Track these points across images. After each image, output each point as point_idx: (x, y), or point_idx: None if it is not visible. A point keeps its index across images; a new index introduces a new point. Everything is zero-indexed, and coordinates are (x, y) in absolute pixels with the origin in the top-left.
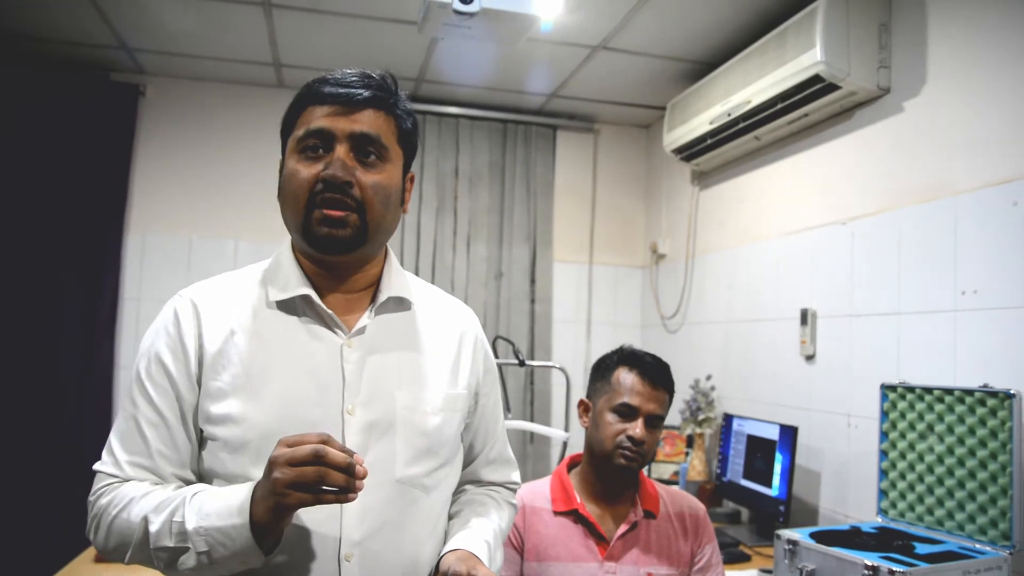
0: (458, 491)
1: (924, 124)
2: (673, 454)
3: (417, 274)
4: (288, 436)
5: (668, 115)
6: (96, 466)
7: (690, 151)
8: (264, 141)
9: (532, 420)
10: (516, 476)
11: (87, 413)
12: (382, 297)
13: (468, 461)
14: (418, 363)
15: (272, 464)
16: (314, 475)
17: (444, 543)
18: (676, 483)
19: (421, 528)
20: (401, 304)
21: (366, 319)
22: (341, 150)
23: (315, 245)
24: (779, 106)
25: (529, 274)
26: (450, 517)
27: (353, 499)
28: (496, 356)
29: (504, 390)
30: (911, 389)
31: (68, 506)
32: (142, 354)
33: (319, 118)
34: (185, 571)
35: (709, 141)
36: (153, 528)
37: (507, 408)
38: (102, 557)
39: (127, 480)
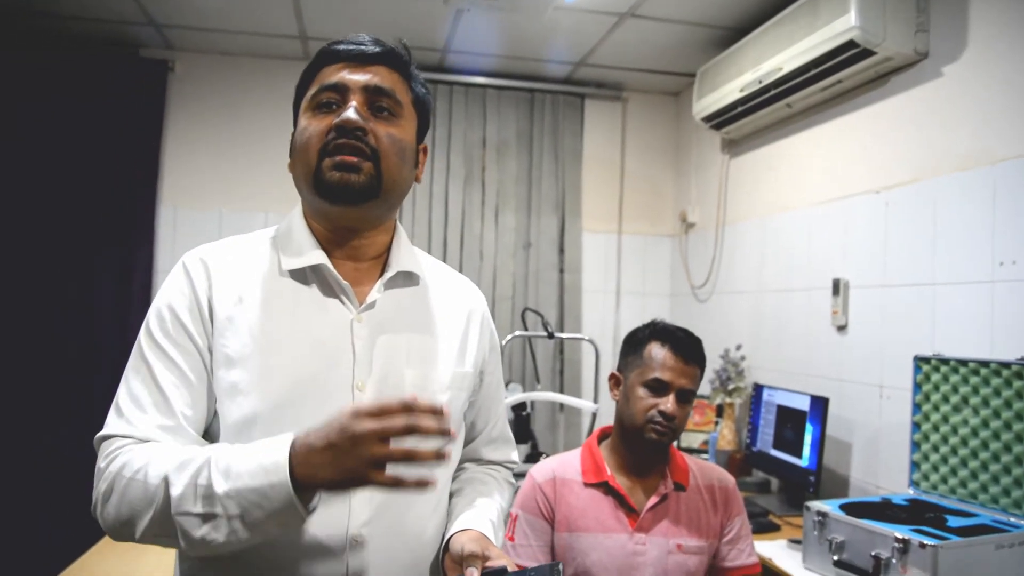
0: (458, 469)
1: (963, 90)
2: (703, 423)
3: (445, 245)
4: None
5: (698, 83)
6: (103, 432)
7: (720, 119)
8: (290, 113)
9: (562, 391)
10: (515, 455)
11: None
12: (391, 271)
13: (469, 439)
14: (427, 340)
15: (335, 422)
16: (403, 425)
17: (447, 521)
18: (705, 452)
19: (427, 506)
20: (410, 279)
21: (376, 293)
22: (356, 100)
23: (327, 193)
24: (811, 73)
25: (558, 244)
26: (451, 495)
27: (448, 452)
28: (525, 328)
29: (534, 361)
30: (945, 361)
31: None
32: (155, 314)
33: (332, 73)
34: (212, 545)
35: (739, 109)
36: (176, 491)
37: (536, 379)
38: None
39: (144, 441)
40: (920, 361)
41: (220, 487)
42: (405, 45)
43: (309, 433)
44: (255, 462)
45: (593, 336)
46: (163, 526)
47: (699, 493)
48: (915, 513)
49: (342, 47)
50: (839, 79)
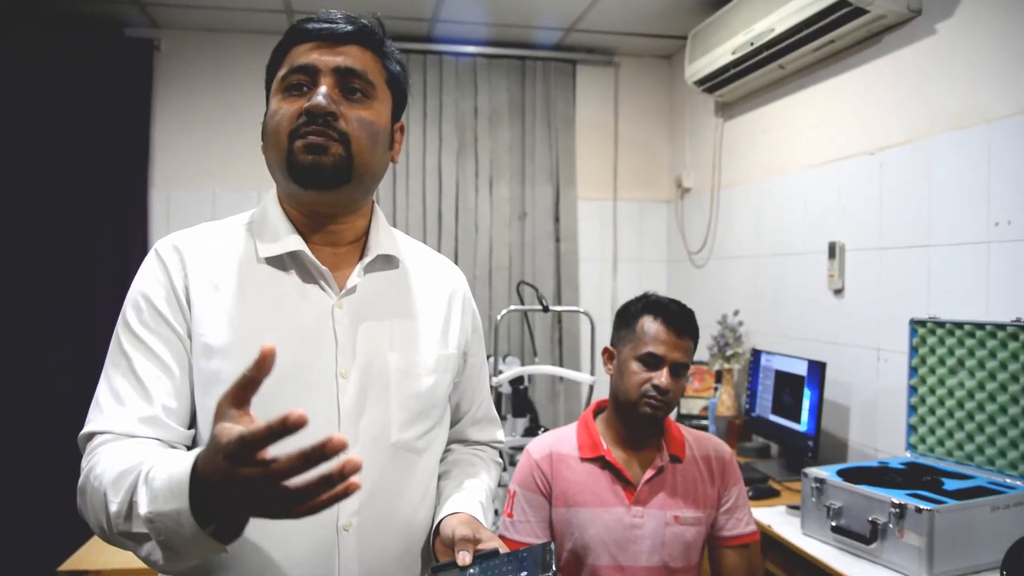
0: (445, 451)
1: (957, 47)
2: (702, 389)
3: (440, 218)
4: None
5: (689, 46)
6: (84, 429)
7: (713, 82)
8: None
9: (560, 363)
10: (500, 435)
11: None
12: (371, 255)
13: (454, 421)
14: (410, 324)
15: (215, 465)
16: (273, 472)
17: (436, 504)
18: (705, 418)
19: (415, 491)
20: (389, 262)
21: (356, 278)
22: (326, 83)
23: (299, 177)
24: (804, 33)
25: (553, 213)
26: (439, 477)
27: (355, 486)
28: (521, 302)
29: (531, 334)
30: (941, 324)
31: None
32: (131, 304)
33: (302, 54)
34: (160, 566)
35: (732, 71)
36: (112, 508)
37: (534, 352)
38: None
39: (124, 436)
40: (916, 324)
41: (143, 507)
42: (380, 20)
43: (204, 458)
44: (167, 481)
45: (590, 305)
46: (118, 543)
47: (695, 464)
48: (912, 477)
49: (312, 25)
50: (832, 39)
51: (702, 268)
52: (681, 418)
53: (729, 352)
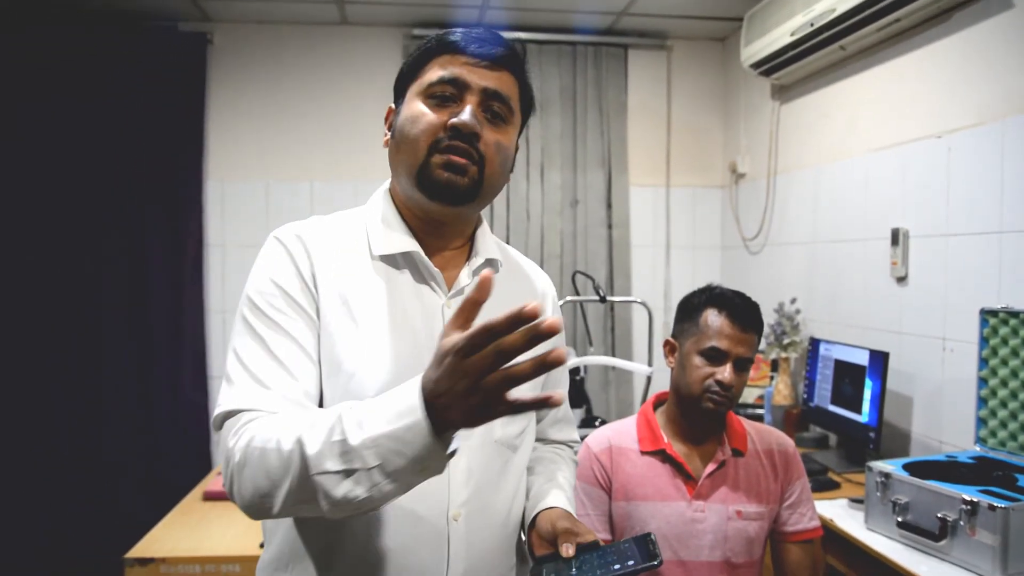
0: None
1: None
2: (758, 378)
3: (491, 207)
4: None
5: (745, 28)
6: (224, 408)
7: (770, 65)
8: (330, 80)
9: (613, 352)
10: (575, 435)
11: (179, 358)
12: (480, 259)
13: (537, 419)
14: None
15: (445, 365)
16: (492, 352)
17: (526, 500)
18: (761, 407)
19: (512, 485)
20: (492, 265)
21: (466, 279)
22: (473, 101)
23: (430, 190)
24: (867, 12)
25: (605, 199)
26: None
27: (559, 356)
28: (576, 291)
29: (585, 323)
30: (1015, 314)
31: (167, 449)
32: (257, 289)
33: (456, 66)
34: (355, 502)
35: (790, 54)
36: (312, 450)
37: (589, 342)
38: (212, 494)
39: (272, 414)
40: (987, 314)
41: (355, 439)
42: (524, 44)
43: (427, 378)
44: (389, 410)
45: (643, 292)
46: (303, 491)
47: (758, 458)
48: (982, 472)
49: (467, 43)
50: (897, 17)
51: (757, 255)
52: (737, 407)
53: (786, 341)
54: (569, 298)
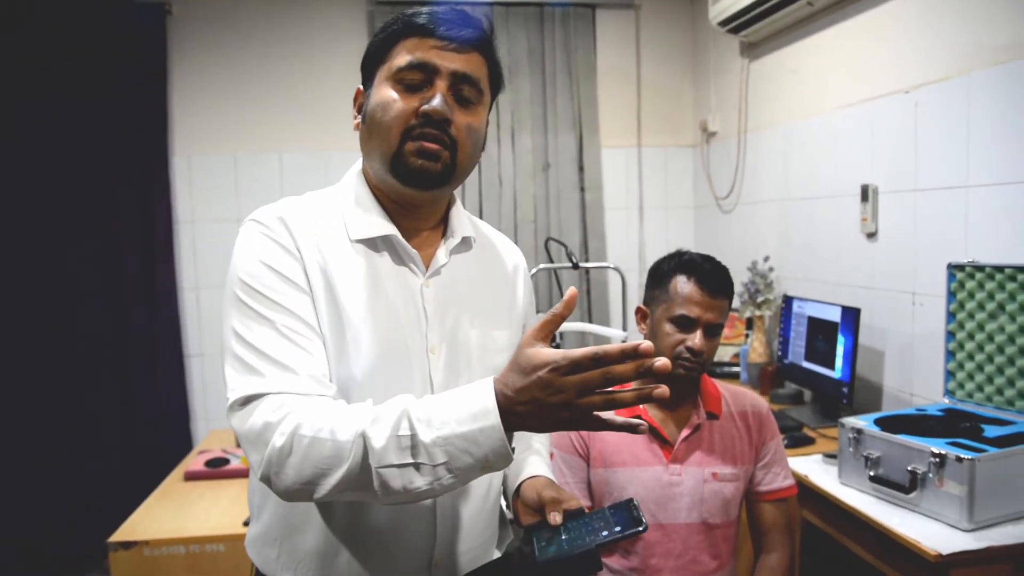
0: None
1: None
2: (733, 336)
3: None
4: (535, 356)
5: None
6: (243, 392)
7: (738, 22)
8: (294, 48)
9: (590, 316)
10: None
11: (155, 337)
12: (456, 238)
13: None
14: (486, 301)
15: (534, 378)
16: (600, 376)
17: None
18: (737, 365)
19: None
20: (466, 243)
21: (443, 258)
22: (442, 86)
23: (404, 177)
24: None
25: (577, 162)
26: None
27: (663, 393)
28: (550, 259)
29: (560, 289)
30: (980, 268)
31: (146, 428)
32: (248, 272)
33: (425, 50)
34: (413, 493)
35: (758, 10)
36: (378, 444)
37: None
38: (193, 475)
39: (302, 396)
40: (954, 268)
41: (426, 436)
42: (490, 20)
43: (504, 383)
44: (462, 410)
45: (618, 254)
46: (357, 481)
47: (732, 420)
48: (951, 424)
49: (434, 22)
50: None
51: (730, 213)
52: (712, 365)
53: (760, 299)
54: (543, 266)
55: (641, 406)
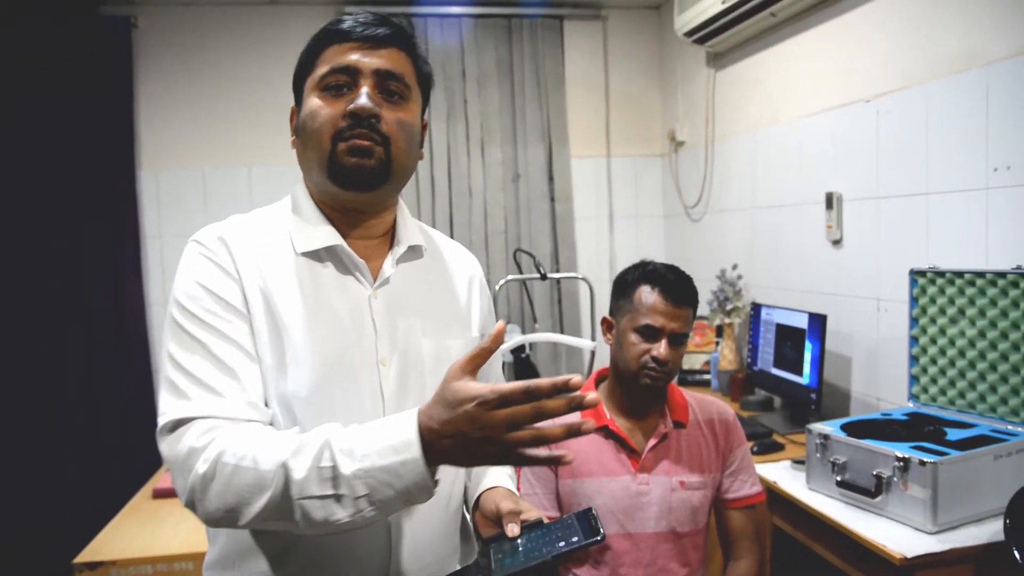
0: None
1: None
2: (703, 344)
3: (432, 184)
4: (466, 389)
5: None
6: (172, 416)
7: (703, 32)
8: (262, 62)
9: (561, 326)
10: None
11: (123, 353)
12: (402, 247)
13: None
14: (438, 311)
15: (461, 412)
16: (531, 411)
17: (465, 480)
18: (707, 372)
19: (451, 469)
20: (415, 252)
21: (390, 268)
22: (367, 84)
23: (341, 178)
24: None
25: (547, 173)
26: None
27: (589, 428)
28: (519, 270)
29: (530, 300)
30: (941, 274)
31: (113, 446)
32: (185, 294)
33: (344, 54)
34: (334, 524)
35: (722, 21)
36: (298, 475)
37: (534, 319)
38: (162, 492)
39: (231, 421)
40: (916, 274)
41: (347, 468)
42: (410, 21)
43: (429, 416)
44: (382, 442)
45: (589, 264)
46: (278, 511)
47: (699, 428)
48: (915, 427)
49: (352, 27)
50: None
51: (699, 222)
52: (683, 374)
53: (729, 306)
54: (511, 277)
55: (608, 416)
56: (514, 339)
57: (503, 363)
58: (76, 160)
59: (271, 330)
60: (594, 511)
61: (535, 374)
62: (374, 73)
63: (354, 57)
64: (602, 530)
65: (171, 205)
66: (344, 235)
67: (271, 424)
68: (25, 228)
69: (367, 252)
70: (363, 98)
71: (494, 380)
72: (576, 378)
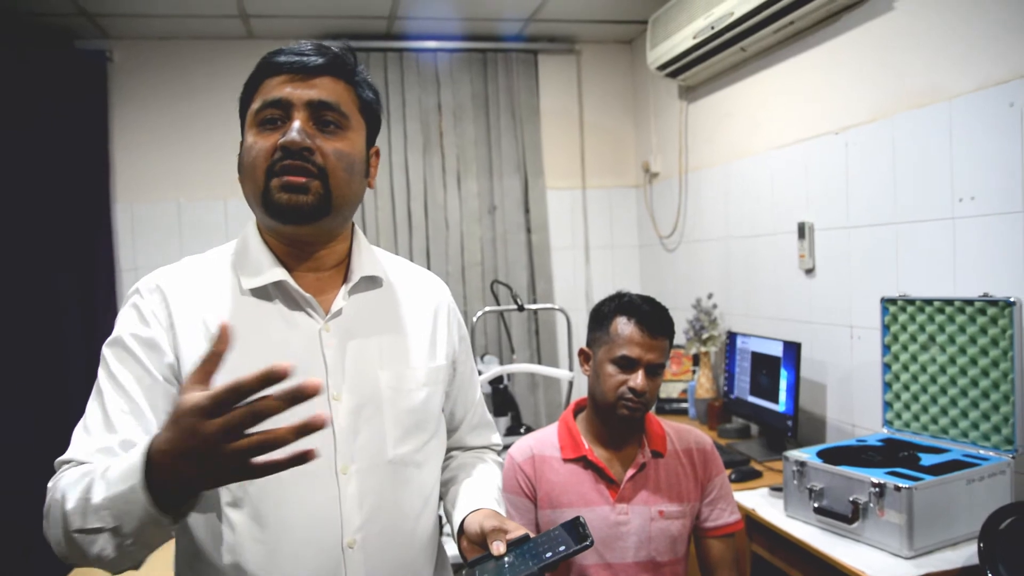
0: (446, 459)
1: (915, 24)
2: (680, 373)
3: (409, 216)
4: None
5: (650, 31)
6: (59, 460)
7: (675, 66)
8: (238, 95)
9: (539, 357)
10: (497, 438)
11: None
12: (355, 277)
13: (451, 430)
14: (397, 341)
15: (181, 426)
16: (246, 414)
17: (447, 509)
18: (684, 401)
19: (416, 503)
20: (373, 282)
21: (341, 301)
22: (300, 117)
23: (277, 215)
24: (763, 15)
25: (522, 204)
26: (443, 484)
27: (320, 420)
28: (496, 301)
29: (507, 330)
30: (911, 301)
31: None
32: (111, 342)
33: (275, 88)
34: (111, 562)
35: (694, 55)
36: (68, 506)
37: (512, 349)
38: None
39: (82, 464)
40: (887, 302)
41: (97, 497)
42: (351, 48)
43: (162, 435)
44: (119, 468)
45: (565, 295)
46: (72, 548)
47: (677, 458)
48: (889, 453)
49: (283, 58)
50: (791, 20)
51: (674, 252)
52: (661, 402)
53: (705, 335)
54: (489, 309)
55: (587, 446)
56: (492, 370)
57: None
58: (50, 192)
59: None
60: (582, 519)
61: (514, 405)
62: (306, 105)
63: (287, 90)
64: (590, 535)
65: (146, 238)
66: (294, 268)
67: None
68: None
69: (319, 285)
70: (293, 132)
71: (471, 411)
72: (283, 364)
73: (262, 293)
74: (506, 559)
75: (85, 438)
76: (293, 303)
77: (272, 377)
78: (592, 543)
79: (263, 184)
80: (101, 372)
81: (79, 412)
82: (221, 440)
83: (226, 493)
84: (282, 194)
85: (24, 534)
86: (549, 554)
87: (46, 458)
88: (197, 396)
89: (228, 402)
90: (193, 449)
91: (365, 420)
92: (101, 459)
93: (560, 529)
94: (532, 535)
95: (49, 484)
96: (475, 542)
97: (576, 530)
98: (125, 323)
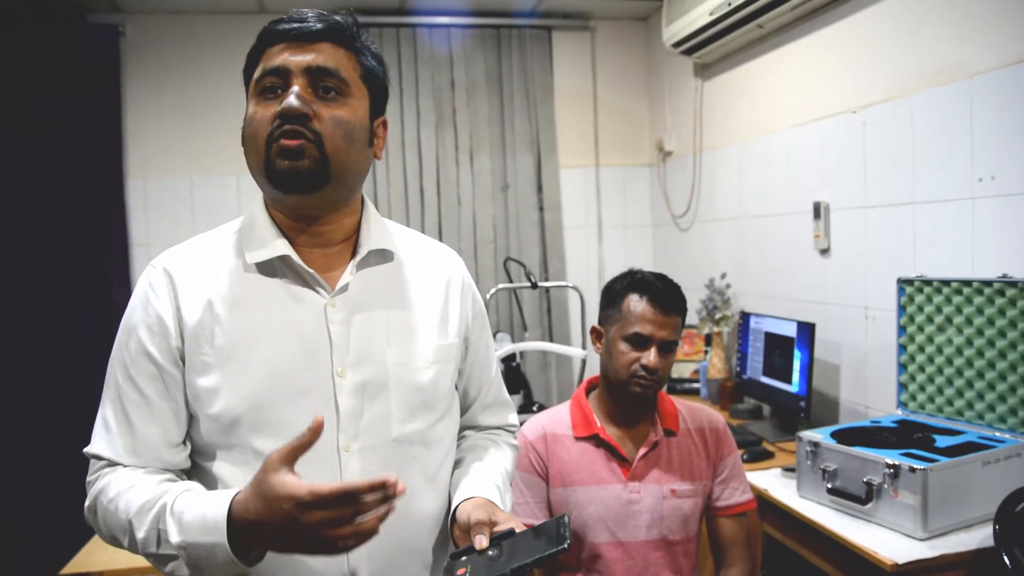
0: (459, 438)
1: (936, 0)
2: (692, 353)
3: (422, 193)
4: (288, 486)
5: (666, 8)
6: (87, 450)
7: (691, 44)
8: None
9: (551, 336)
10: (513, 418)
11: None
12: (363, 251)
13: (464, 408)
14: (406, 317)
15: (276, 509)
16: (349, 513)
17: (448, 493)
18: (696, 381)
19: (422, 484)
20: (383, 256)
21: (348, 275)
22: (299, 84)
23: (277, 182)
24: None
25: (535, 182)
26: (455, 465)
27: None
28: (509, 279)
29: (520, 309)
30: (928, 282)
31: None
32: (121, 331)
33: (276, 55)
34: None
35: (710, 32)
36: (140, 535)
37: (524, 327)
38: None
39: (117, 464)
40: (903, 283)
41: (174, 537)
42: (353, 15)
43: (247, 504)
44: (201, 518)
45: (577, 274)
46: (139, 552)
47: (690, 437)
48: (904, 435)
49: (283, 26)
50: None
51: (687, 231)
52: (673, 382)
53: (718, 315)
54: (502, 286)
55: (599, 424)
56: (505, 348)
57: None
58: (64, 168)
59: (220, 352)
60: (566, 519)
61: (526, 384)
62: (305, 71)
63: (285, 56)
64: (568, 538)
65: (159, 213)
66: (301, 244)
67: (174, 464)
68: (11, 235)
69: (326, 261)
70: (290, 97)
71: (484, 389)
72: (393, 477)
73: (268, 269)
74: (489, 552)
75: (107, 436)
76: (299, 279)
77: (379, 487)
78: (569, 547)
79: (264, 153)
80: (117, 365)
81: (94, 388)
82: (322, 529)
83: (224, 468)
84: (281, 160)
85: (24, 534)
86: (525, 556)
87: (68, 437)
88: (299, 489)
89: (332, 504)
90: (287, 532)
91: (370, 398)
92: (130, 460)
93: (543, 527)
94: (519, 529)
95: (89, 478)
96: (464, 531)
97: (558, 530)
98: (134, 314)
